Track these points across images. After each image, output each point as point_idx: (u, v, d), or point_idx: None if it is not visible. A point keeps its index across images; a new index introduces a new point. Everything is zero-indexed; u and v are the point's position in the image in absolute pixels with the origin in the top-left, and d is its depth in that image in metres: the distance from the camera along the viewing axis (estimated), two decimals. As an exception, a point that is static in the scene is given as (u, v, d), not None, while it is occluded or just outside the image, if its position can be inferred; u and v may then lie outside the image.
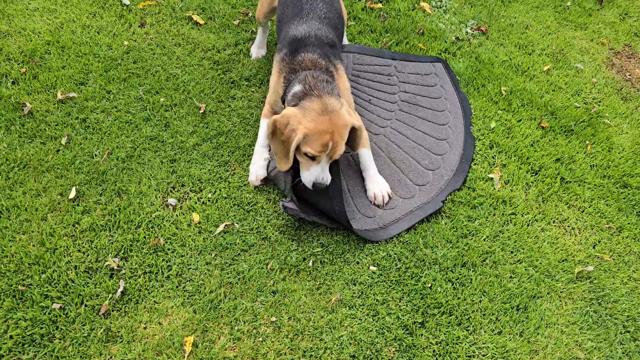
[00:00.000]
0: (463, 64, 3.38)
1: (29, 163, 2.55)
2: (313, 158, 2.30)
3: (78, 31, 3.21)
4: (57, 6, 3.36)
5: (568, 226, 2.64)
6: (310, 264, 2.35)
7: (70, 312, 2.11)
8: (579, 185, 2.80)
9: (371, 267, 2.36)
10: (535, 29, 3.79)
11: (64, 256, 2.26)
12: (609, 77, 3.47)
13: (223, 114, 2.89)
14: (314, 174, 2.32)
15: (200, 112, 2.86)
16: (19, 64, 2.97)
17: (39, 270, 2.20)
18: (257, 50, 3.23)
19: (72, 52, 3.08)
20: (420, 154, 2.78)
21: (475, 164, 2.83)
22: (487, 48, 3.55)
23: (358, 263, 2.38)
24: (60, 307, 2.11)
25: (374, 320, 2.21)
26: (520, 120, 3.09)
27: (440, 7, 3.81)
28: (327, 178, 2.32)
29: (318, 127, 2.24)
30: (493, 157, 2.88)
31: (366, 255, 2.40)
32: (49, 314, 2.09)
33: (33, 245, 2.28)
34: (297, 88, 2.38)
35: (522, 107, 3.17)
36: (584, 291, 2.40)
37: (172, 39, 3.28)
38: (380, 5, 3.73)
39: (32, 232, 2.32)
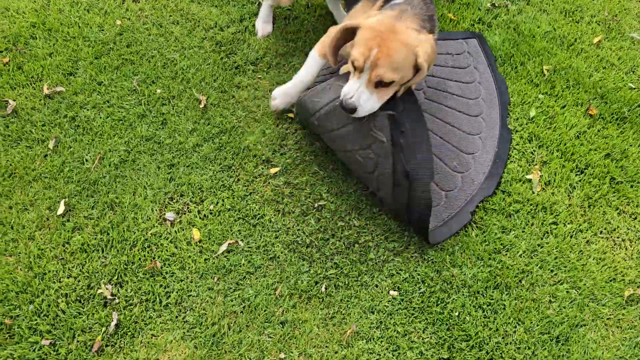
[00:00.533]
0: (499, 37, 2.95)
1: (15, 171, 2.32)
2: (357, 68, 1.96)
3: (66, 9, 2.88)
4: (43, -21, 3.01)
5: (618, 237, 2.32)
6: (323, 288, 2.10)
7: (61, 348, 1.93)
8: (631, 187, 2.45)
9: (391, 292, 2.11)
10: (585, -10, 3.29)
11: (54, 282, 2.06)
12: (670, 48, 3.00)
13: (226, 107, 2.58)
14: (347, 86, 1.97)
15: (201, 106, 2.56)
16: (1, 53, 2.68)
17: (26, 300, 2.02)
18: (262, 26, 2.86)
19: (60, 35, 2.77)
20: (448, 153, 2.44)
21: (511, 161, 2.49)
22: (527, 16, 3.09)
23: (377, 286, 2.13)
24: (51, 343, 1.94)
25: (394, 356, 1.98)
26: (564, 107, 2.70)
27: (475, -34, 3.32)
28: (357, 98, 1.94)
29: (373, 27, 1.91)
30: (532, 153, 2.53)
31: (386, 277, 2.15)
32: (39, 350, 1.92)
33: (20, 270, 2.08)
34: (397, 1, 2.05)
35: (567, 90, 2.76)
36: (634, 317, 2.11)
37: (170, 15, 2.93)
38: (405, -35, 3.26)
39: (20, 253, 2.12)
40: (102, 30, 2.82)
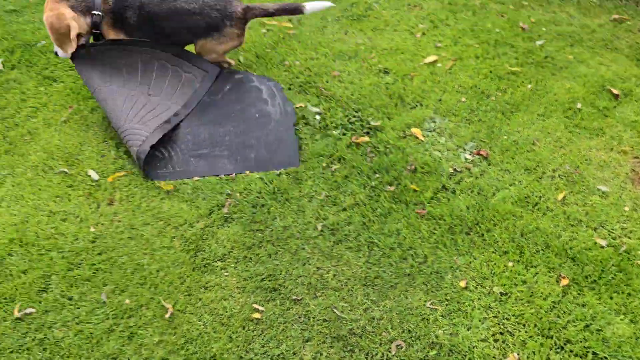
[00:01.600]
0: (464, 202, 2.98)
1: (-21, 408, 2.30)
2: None
3: (44, 221, 3.02)
4: (25, 192, 3.20)
5: None
6: None
7: None
8: (617, 362, 2.32)
9: None
10: (544, 143, 3.37)
11: None
12: (637, 196, 2.99)
13: (192, 312, 2.58)
14: None
15: (167, 315, 2.56)
16: (-22, 276, 2.77)
17: None
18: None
19: (35, 250, 2.87)
20: None
21: (484, 346, 2.39)
22: (490, 177, 3.15)
23: None
24: None
25: None
26: (536, 275, 2.64)
27: (434, 130, 3.45)
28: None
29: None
30: (510, 335, 2.43)
31: None
32: None
33: None
34: None
35: (537, 254, 2.73)
36: None
37: (141, 216, 3.04)
38: (366, 138, 3.41)
39: None
40: (77, 239, 2.93)
